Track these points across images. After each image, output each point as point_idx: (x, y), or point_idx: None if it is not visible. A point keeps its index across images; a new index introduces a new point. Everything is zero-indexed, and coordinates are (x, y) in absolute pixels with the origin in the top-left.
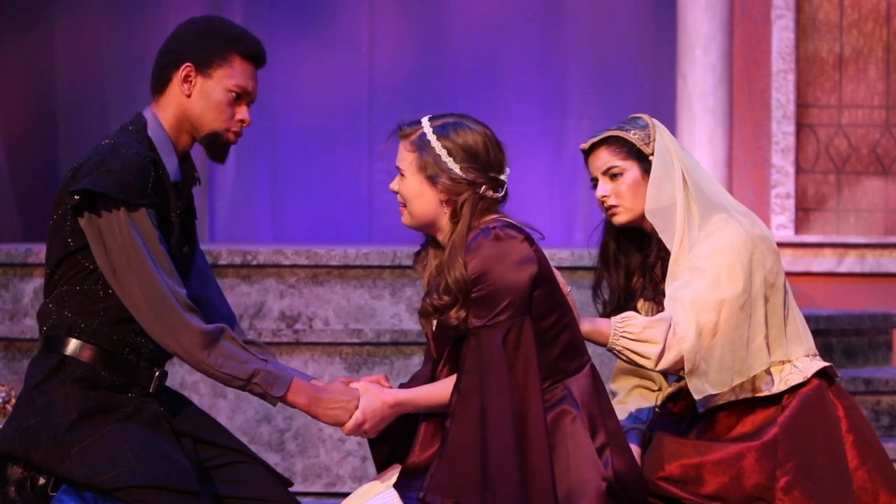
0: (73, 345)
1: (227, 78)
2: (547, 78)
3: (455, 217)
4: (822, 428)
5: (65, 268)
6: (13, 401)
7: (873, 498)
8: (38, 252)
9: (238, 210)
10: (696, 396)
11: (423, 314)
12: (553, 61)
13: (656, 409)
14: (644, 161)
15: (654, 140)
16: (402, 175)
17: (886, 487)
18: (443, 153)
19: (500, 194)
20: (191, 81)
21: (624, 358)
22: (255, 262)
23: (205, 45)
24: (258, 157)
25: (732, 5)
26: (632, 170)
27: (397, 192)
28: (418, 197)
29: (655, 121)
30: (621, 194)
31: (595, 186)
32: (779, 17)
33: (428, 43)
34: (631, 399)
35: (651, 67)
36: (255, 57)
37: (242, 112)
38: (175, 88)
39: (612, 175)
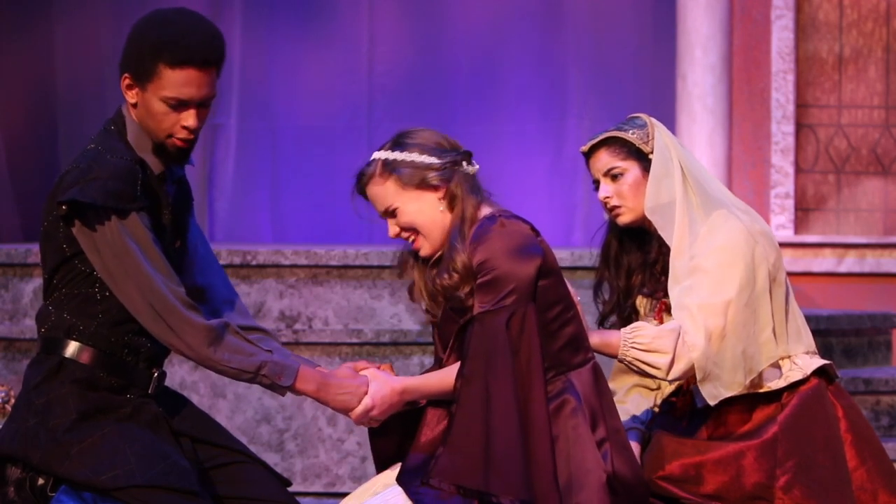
0: (72, 347)
1: (160, 90)
2: (547, 78)
3: (451, 204)
4: (822, 427)
5: (62, 272)
6: (13, 401)
7: (872, 497)
8: (38, 252)
9: (238, 210)
10: (711, 402)
11: (432, 296)
12: (553, 61)
13: (655, 409)
14: (644, 160)
15: (652, 138)
16: (394, 210)
17: (885, 487)
18: (415, 157)
19: (477, 166)
20: (132, 91)
21: (635, 369)
22: (254, 262)
23: (135, 55)
24: (258, 157)
25: (732, 5)
26: (632, 169)
27: (400, 233)
28: (420, 211)
29: (653, 119)
30: (623, 195)
31: (597, 188)
32: (778, 18)
33: (428, 43)
34: (630, 398)
35: (651, 67)
36: (190, 62)
37: (186, 118)
38: (125, 96)
39: (613, 176)
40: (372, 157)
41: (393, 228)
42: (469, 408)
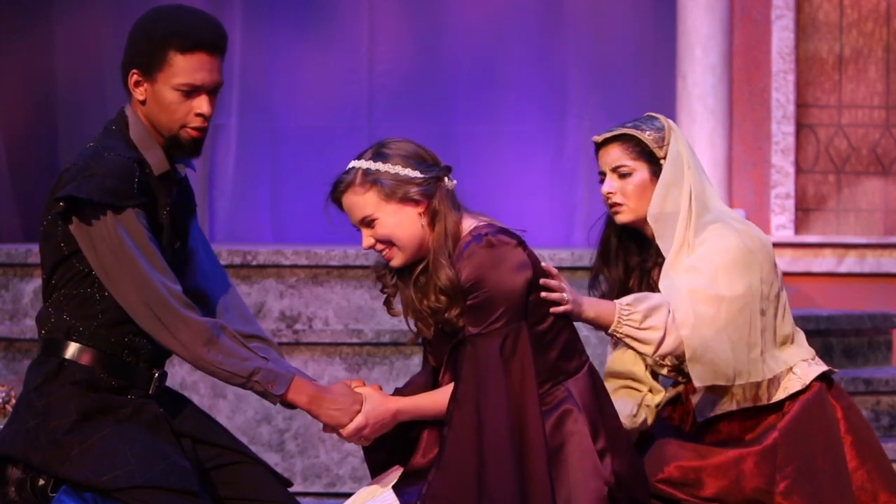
0: (72, 349)
1: (171, 78)
2: (547, 78)
3: (433, 221)
4: (822, 431)
5: (61, 272)
6: (13, 401)
7: (872, 498)
8: (38, 252)
9: (238, 210)
10: (697, 384)
11: (421, 318)
12: (553, 61)
13: (656, 407)
14: (654, 163)
15: (668, 143)
16: (371, 220)
17: (885, 487)
18: (398, 169)
19: (455, 182)
20: (141, 87)
21: (624, 343)
22: (255, 263)
23: (143, 49)
24: (258, 157)
25: (732, 5)
26: (641, 171)
27: (375, 244)
28: (400, 225)
29: (672, 123)
30: (627, 194)
31: (602, 180)
32: (779, 17)
33: (428, 43)
34: (617, 400)
35: (651, 67)
36: (200, 46)
37: (199, 105)
38: (133, 94)
39: (621, 174)
40: (350, 166)
41: (367, 240)
42: (461, 432)
